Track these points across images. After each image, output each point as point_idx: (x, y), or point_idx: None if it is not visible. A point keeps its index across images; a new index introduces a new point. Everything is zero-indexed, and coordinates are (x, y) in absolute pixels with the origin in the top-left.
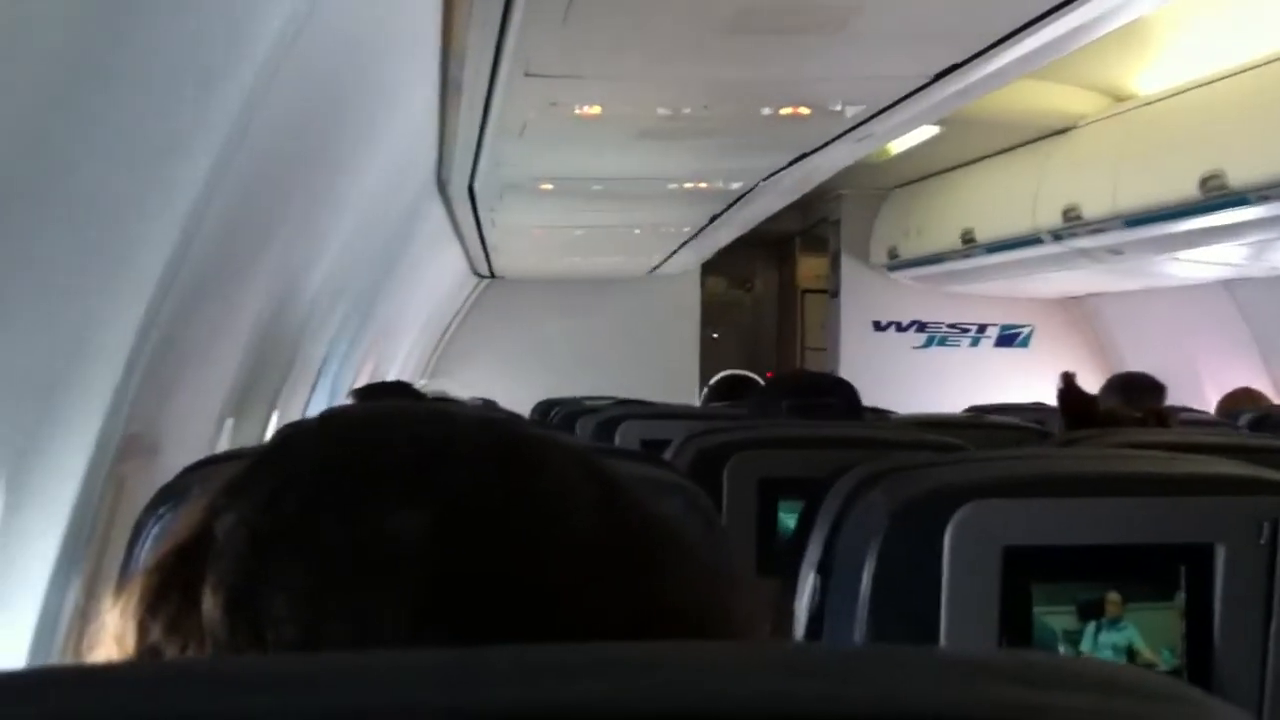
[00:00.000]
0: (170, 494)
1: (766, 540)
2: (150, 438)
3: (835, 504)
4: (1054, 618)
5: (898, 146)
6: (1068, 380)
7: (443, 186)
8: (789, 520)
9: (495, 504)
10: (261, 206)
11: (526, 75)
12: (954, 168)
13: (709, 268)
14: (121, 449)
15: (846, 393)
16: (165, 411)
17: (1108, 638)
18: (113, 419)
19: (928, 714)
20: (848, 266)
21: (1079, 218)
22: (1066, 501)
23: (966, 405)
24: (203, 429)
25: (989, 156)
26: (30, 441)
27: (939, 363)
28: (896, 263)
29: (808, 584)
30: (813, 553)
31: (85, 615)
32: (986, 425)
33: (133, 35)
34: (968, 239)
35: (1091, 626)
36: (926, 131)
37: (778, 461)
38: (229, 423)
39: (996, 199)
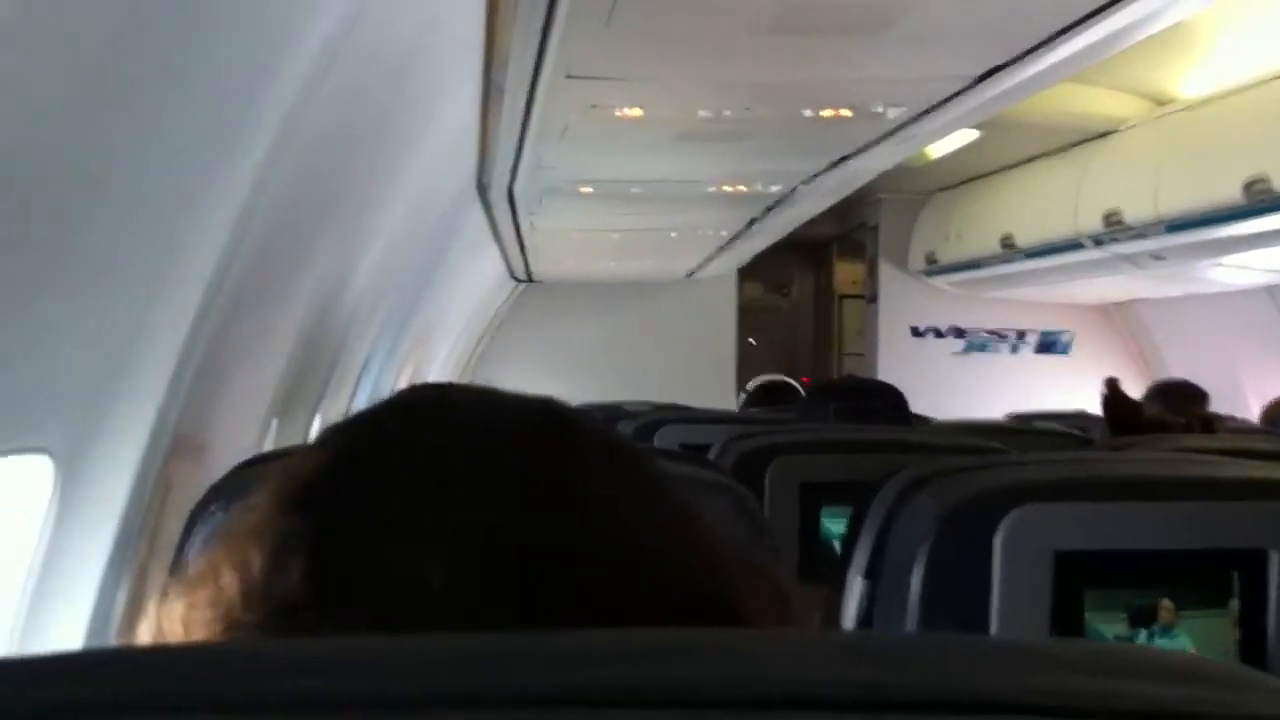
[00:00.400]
0: (221, 492)
1: (809, 545)
2: (199, 438)
3: (883, 507)
4: (1106, 624)
5: (937, 151)
6: (1112, 386)
7: (483, 190)
8: (831, 525)
9: (537, 499)
10: (307, 210)
11: (568, 77)
12: (994, 172)
13: (745, 273)
14: (171, 448)
15: (894, 398)
16: (214, 412)
17: (1160, 645)
18: (163, 419)
19: (1012, 702)
20: (885, 271)
21: (1120, 222)
22: (1119, 506)
23: (1006, 412)
24: (249, 430)
25: (1029, 161)
26: (84, 440)
27: (978, 369)
28: (935, 268)
29: (855, 588)
30: (860, 557)
31: (135, 610)
32: (1029, 432)
33: (184, 37)
34: (1007, 244)
35: (1144, 633)
36: (966, 135)
37: (820, 465)
38: (274, 424)
39: (1037, 203)
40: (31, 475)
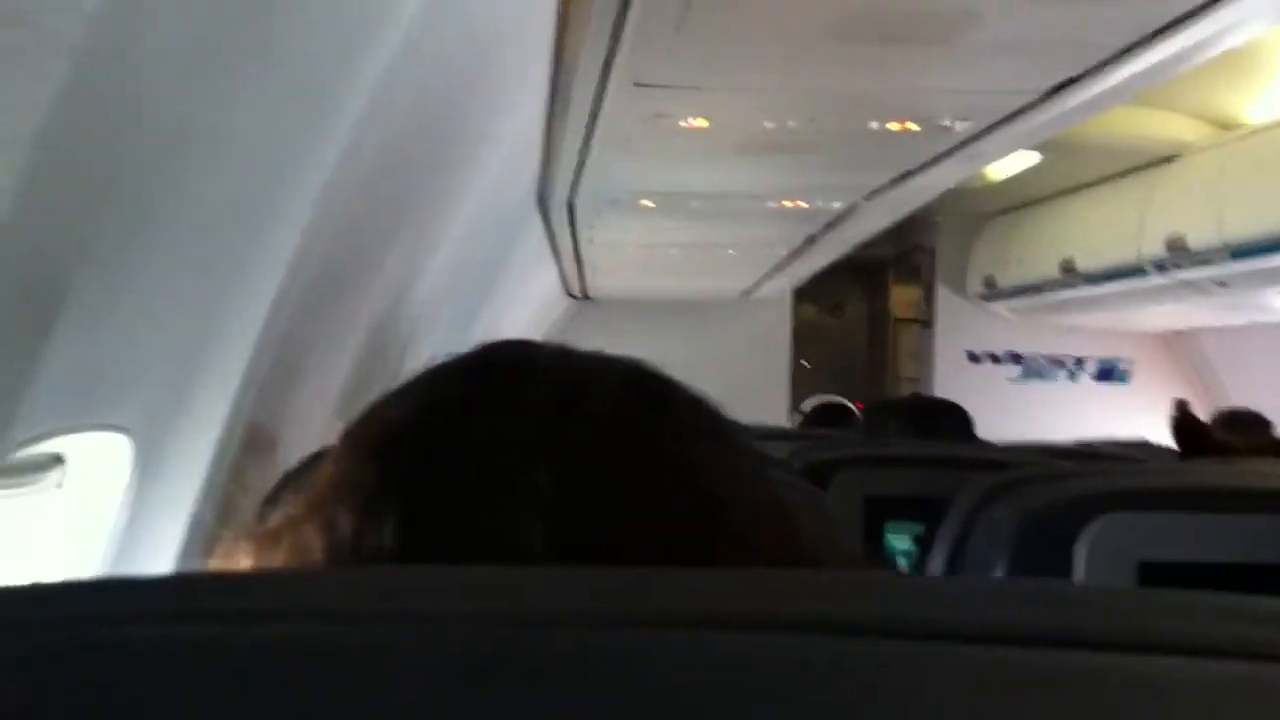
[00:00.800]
0: (294, 479)
1: (872, 560)
2: (270, 433)
3: (959, 516)
4: None
5: (997, 173)
6: (1182, 407)
7: (543, 202)
8: (896, 541)
9: (634, 462)
10: (377, 213)
11: (635, 85)
12: (1055, 196)
13: (800, 294)
14: (244, 440)
15: (958, 417)
16: (284, 408)
17: None
18: (237, 410)
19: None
20: (942, 295)
21: (1184, 248)
22: (1205, 517)
23: (1064, 439)
24: (316, 429)
25: (1091, 185)
26: (161, 423)
27: (1035, 396)
28: (993, 292)
29: None
30: (935, 566)
31: None
32: (1097, 454)
33: (262, 33)
34: (1068, 269)
35: None
36: (1028, 159)
37: (885, 479)
38: (340, 427)
39: (1098, 228)
40: (111, 455)
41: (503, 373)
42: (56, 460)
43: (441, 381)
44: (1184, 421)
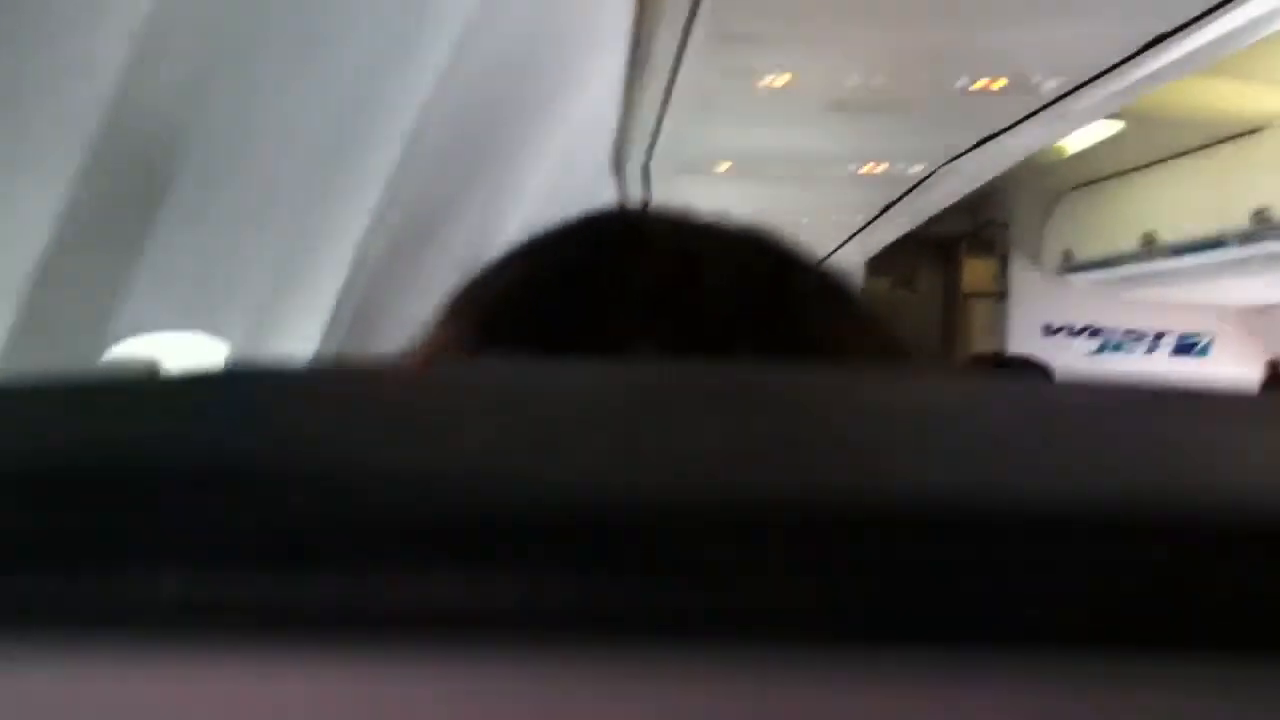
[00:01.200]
0: None
1: None
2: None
3: None
4: None
5: (1074, 146)
6: (1274, 368)
7: (619, 166)
8: None
9: (750, 342)
10: (459, 162)
11: (719, 38)
12: (1134, 169)
13: (872, 267)
14: None
15: (1044, 376)
16: (369, 346)
17: None
18: (328, 341)
19: None
20: (1018, 269)
21: (1269, 220)
22: None
23: None
24: None
25: (1173, 157)
26: (259, 339)
27: (1113, 370)
28: (1071, 265)
29: None
30: None
31: None
32: None
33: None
34: (1149, 242)
35: None
36: (1108, 128)
37: None
38: None
39: (1180, 201)
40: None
41: (614, 238)
42: (151, 368)
43: (547, 250)
44: (1276, 381)
